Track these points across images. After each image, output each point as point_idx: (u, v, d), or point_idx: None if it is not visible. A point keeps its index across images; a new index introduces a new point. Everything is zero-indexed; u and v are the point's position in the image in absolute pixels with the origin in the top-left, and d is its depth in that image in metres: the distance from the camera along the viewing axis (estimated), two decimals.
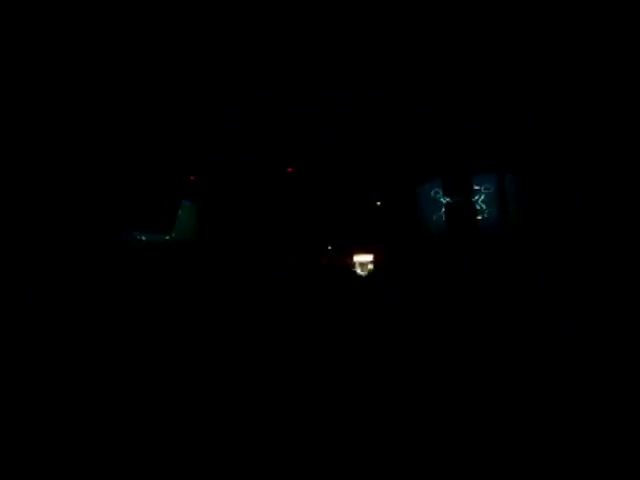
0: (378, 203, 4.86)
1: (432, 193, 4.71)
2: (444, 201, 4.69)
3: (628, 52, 4.03)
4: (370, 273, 4.86)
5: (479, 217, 4.62)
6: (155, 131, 4.53)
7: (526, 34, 4.10)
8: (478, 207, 4.62)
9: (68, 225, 4.37)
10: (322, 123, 4.74)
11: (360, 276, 4.84)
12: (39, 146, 4.34)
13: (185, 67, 4.42)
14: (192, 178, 4.57)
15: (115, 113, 4.44)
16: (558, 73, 4.29)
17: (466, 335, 4.20)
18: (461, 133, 4.58)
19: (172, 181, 4.47)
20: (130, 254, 4.48)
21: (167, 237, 4.45)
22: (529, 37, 4.09)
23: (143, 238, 4.54)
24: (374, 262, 4.88)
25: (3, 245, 4.24)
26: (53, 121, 4.39)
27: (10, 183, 4.29)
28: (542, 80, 4.39)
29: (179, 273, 4.48)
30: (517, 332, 4.18)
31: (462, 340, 4.16)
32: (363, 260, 4.92)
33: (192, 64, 4.36)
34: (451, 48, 4.37)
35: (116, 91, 4.40)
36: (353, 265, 4.93)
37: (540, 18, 4.00)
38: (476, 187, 4.59)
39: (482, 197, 4.60)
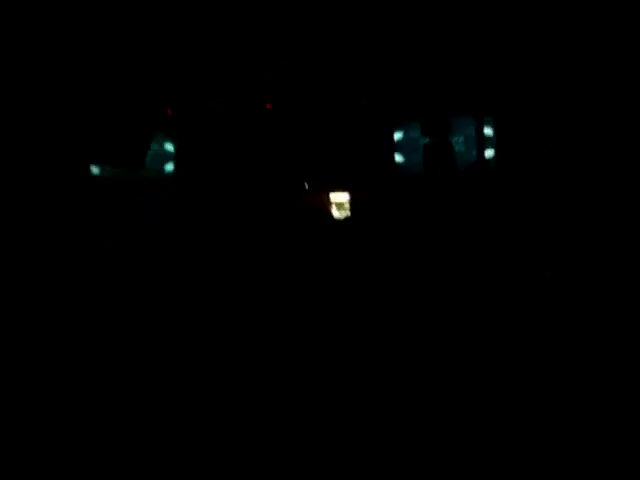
0: (355, 142, 4.80)
1: (410, 133, 4.67)
2: (422, 142, 4.67)
3: None
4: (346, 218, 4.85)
5: (457, 159, 4.62)
6: (129, 60, 4.34)
7: None
8: (456, 149, 4.61)
9: (33, 154, 4.22)
10: (303, 55, 4.61)
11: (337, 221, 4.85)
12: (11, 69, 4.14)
13: None
14: (168, 111, 4.42)
15: (89, 39, 4.23)
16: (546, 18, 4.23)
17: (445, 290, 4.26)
18: (441, 73, 4.52)
19: (145, 113, 4.33)
20: (101, 189, 4.37)
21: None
22: None
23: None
24: (351, 202, 4.85)
25: None
26: (25, 45, 4.17)
27: None
28: (525, 27, 4.34)
29: (151, 209, 4.40)
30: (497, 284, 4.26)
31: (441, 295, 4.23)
32: (340, 200, 4.88)
33: None
34: None
35: (92, 17, 4.19)
36: (330, 205, 4.90)
37: None
38: (455, 130, 4.57)
39: (460, 139, 4.58)
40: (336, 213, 4.80)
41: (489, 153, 4.61)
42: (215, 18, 4.39)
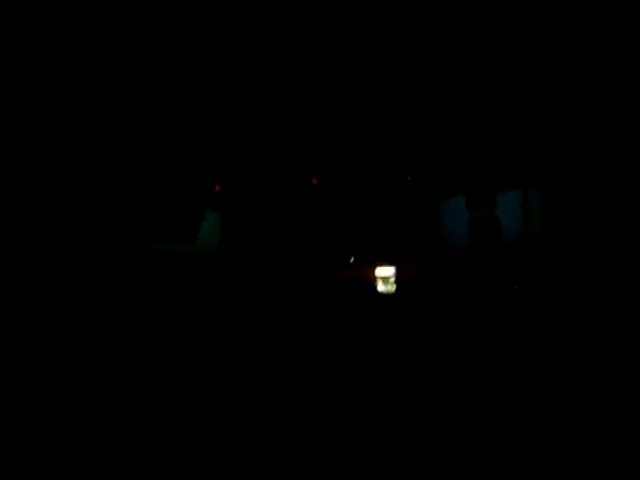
0: (401, 216, 4.85)
1: (456, 207, 4.70)
2: (468, 215, 4.68)
3: None
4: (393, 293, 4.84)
5: (503, 231, 4.60)
6: (180, 140, 4.60)
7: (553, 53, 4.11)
8: (502, 222, 4.59)
9: (94, 233, 4.45)
10: (348, 135, 4.78)
11: (383, 296, 4.83)
12: (67, 153, 4.43)
13: (212, 77, 4.49)
14: (217, 188, 4.62)
15: (143, 122, 4.51)
16: (581, 90, 4.28)
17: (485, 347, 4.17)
18: (487, 148, 4.58)
19: (196, 191, 4.53)
20: (155, 263, 4.54)
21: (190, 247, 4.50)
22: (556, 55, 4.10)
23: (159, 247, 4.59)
24: (398, 276, 4.85)
25: (34, 252, 4.33)
26: (82, 129, 4.48)
27: (38, 190, 4.38)
28: (564, 98, 4.38)
29: (202, 283, 4.53)
30: (537, 345, 4.14)
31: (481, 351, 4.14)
32: (385, 274, 4.89)
33: (217, 74, 4.43)
34: (477, 64, 4.39)
35: (144, 98, 4.48)
36: (375, 279, 4.91)
37: (564, 40, 4.01)
38: (500, 204, 4.58)
39: (505, 212, 4.57)
40: (381, 287, 4.80)
41: (535, 227, 4.57)
42: (261, 105, 4.64)
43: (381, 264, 4.90)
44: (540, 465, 2.64)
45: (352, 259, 4.86)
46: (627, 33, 4.09)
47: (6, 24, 4.11)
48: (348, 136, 4.81)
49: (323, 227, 4.84)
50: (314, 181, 4.81)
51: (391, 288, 4.88)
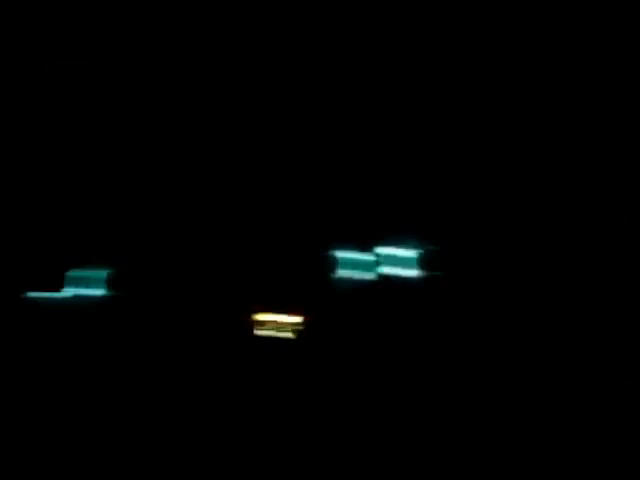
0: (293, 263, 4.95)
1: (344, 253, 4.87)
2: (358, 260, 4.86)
3: None
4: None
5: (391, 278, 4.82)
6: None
7: None
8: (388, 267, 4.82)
9: None
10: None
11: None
12: None
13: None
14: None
15: None
16: None
17: None
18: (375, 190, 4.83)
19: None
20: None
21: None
22: None
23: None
24: (293, 324, 4.88)
25: None
26: None
27: None
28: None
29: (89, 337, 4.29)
30: None
31: None
32: (282, 321, 4.91)
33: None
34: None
35: None
36: (269, 325, 4.90)
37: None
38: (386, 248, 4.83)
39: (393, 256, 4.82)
40: (277, 334, 4.79)
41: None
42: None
43: (276, 312, 4.91)
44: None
45: (250, 307, 4.83)
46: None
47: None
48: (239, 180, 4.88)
49: (222, 274, 4.80)
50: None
51: (287, 335, 4.88)
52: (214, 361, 4.57)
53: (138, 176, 4.62)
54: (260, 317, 4.81)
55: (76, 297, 4.43)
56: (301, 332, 4.90)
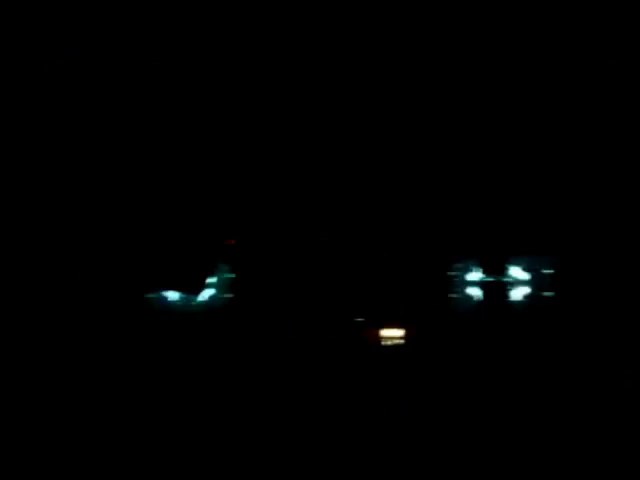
0: (410, 278, 4.81)
1: (466, 271, 4.69)
2: (478, 280, 4.66)
3: None
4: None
5: (514, 298, 4.59)
6: (194, 194, 4.54)
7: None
8: (513, 288, 4.59)
9: (98, 282, 4.30)
10: (357, 192, 4.78)
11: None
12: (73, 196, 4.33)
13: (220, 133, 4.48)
14: (231, 242, 4.53)
15: (155, 169, 4.45)
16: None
17: None
18: (499, 212, 4.63)
19: (207, 243, 4.44)
20: (158, 315, 4.39)
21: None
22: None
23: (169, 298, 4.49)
24: (405, 338, 4.75)
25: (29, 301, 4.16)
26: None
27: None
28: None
29: (209, 338, 4.38)
30: None
31: None
32: (393, 336, 4.80)
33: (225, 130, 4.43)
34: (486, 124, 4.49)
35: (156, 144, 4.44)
36: (381, 339, 4.81)
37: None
38: (513, 268, 4.58)
39: (518, 277, 4.57)
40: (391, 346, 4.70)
41: (547, 294, 4.57)
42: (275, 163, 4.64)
43: (389, 326, 4.81)
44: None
45: (359, 320, 4.75)
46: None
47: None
48: (357, 194, 4.81)
49: (332, 285, 4.74)
50: (323, 238, 4.75)
51: (398, 350, 4.78)
52: (325, 370, 4.56)
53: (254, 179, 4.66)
54: (378, 331, 4.74)
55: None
56: (414, 346, 4.79)
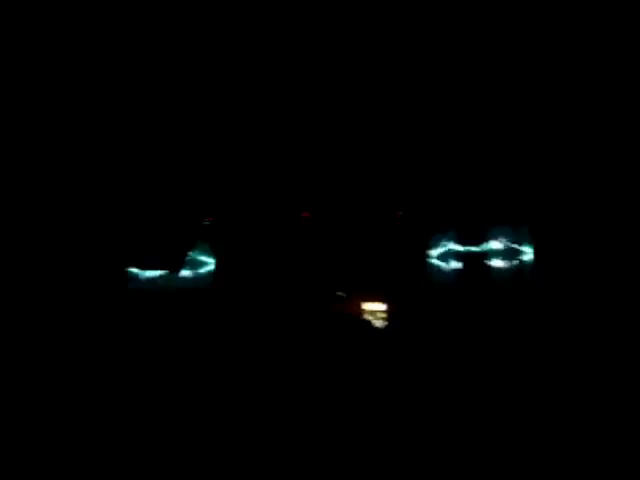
0: (390, 252, 4.84)
1: (445, 244, 4.71)
2: (457, 252, 4.69)
3: None
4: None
5: (493, 269, 4.62)
6: (171, 170, 4.52)
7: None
8: (492, 259, 4.62)
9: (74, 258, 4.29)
10: (340, 169, 4.79)
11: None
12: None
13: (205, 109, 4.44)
14: (209, 219, 4.54)
15: (135, 148, 4.43)
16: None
17: None
18: (477, 184, 4.65)
19: (188, 222, 4.45)
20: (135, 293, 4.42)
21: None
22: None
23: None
24: (387, 312, 4.80)
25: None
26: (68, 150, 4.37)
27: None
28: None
29: (190, 314, 4.40)
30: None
31: None
32: (375, 309, 4.84)
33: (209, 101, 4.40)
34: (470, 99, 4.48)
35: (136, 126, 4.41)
36: (363, 313, 4.85)
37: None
38: (491, 240, 4.61)
39: (497, 249, 4.61)
40: (374, 322, 4.74)
41: (525, 262, 4.61)
42: (256, 137, 4.61)
43: (369, 300, 4.85)
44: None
45: (342, 295, 4.79)
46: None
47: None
48: (340, 170, 4.81)
49: (312, 261, 4.77)
50: (305, 214, 4.76)
51: (379, 323, 4.82)
52: (309, 351, 4.59)
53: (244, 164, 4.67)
54: (359, 305, 4.78)
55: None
56: (394, 320, 4.83)
